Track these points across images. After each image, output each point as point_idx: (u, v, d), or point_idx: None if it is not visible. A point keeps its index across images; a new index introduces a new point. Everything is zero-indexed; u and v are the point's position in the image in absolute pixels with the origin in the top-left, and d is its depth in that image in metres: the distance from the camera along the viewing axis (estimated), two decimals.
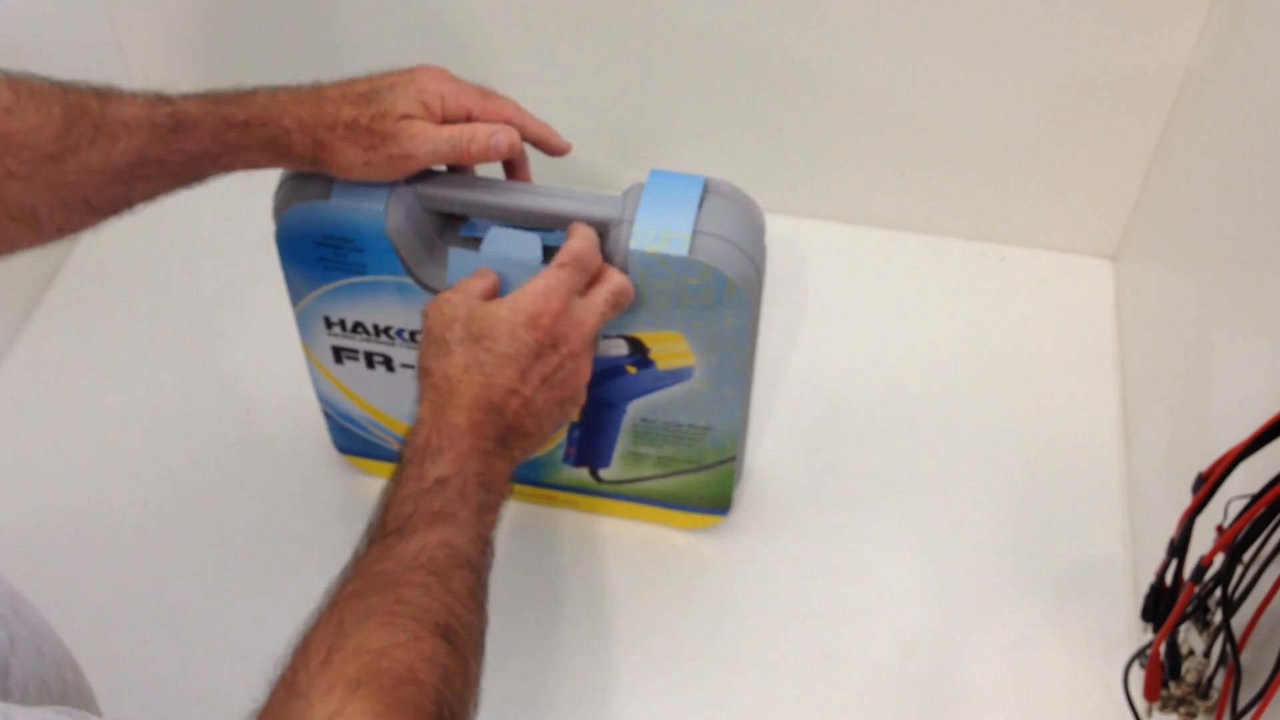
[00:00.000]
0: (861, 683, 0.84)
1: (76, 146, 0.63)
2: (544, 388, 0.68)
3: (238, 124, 0.69)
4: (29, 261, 1.07)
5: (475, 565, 0.63)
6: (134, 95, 0.67)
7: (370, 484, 0.94)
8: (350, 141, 0.71)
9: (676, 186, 0.73)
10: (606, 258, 0.73)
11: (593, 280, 0.72)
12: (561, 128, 0.78)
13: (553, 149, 0.77)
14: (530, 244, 0.74)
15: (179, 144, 0.67)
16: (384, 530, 0.62)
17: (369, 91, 0.71)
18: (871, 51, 0.99)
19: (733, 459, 0.85)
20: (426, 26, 1.04)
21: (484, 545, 0.65)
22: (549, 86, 1.00)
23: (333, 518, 0.93)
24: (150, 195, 0.69)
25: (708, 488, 0.87)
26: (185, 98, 0.68)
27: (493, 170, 0.78)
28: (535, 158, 0.78)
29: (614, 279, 0.72)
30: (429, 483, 0.63)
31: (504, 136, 0.73)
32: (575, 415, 0.73)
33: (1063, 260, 1.09)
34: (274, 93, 0.70)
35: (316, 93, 0.71)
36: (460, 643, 0.59)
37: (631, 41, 1.02)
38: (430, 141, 0.71)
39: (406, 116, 0.71)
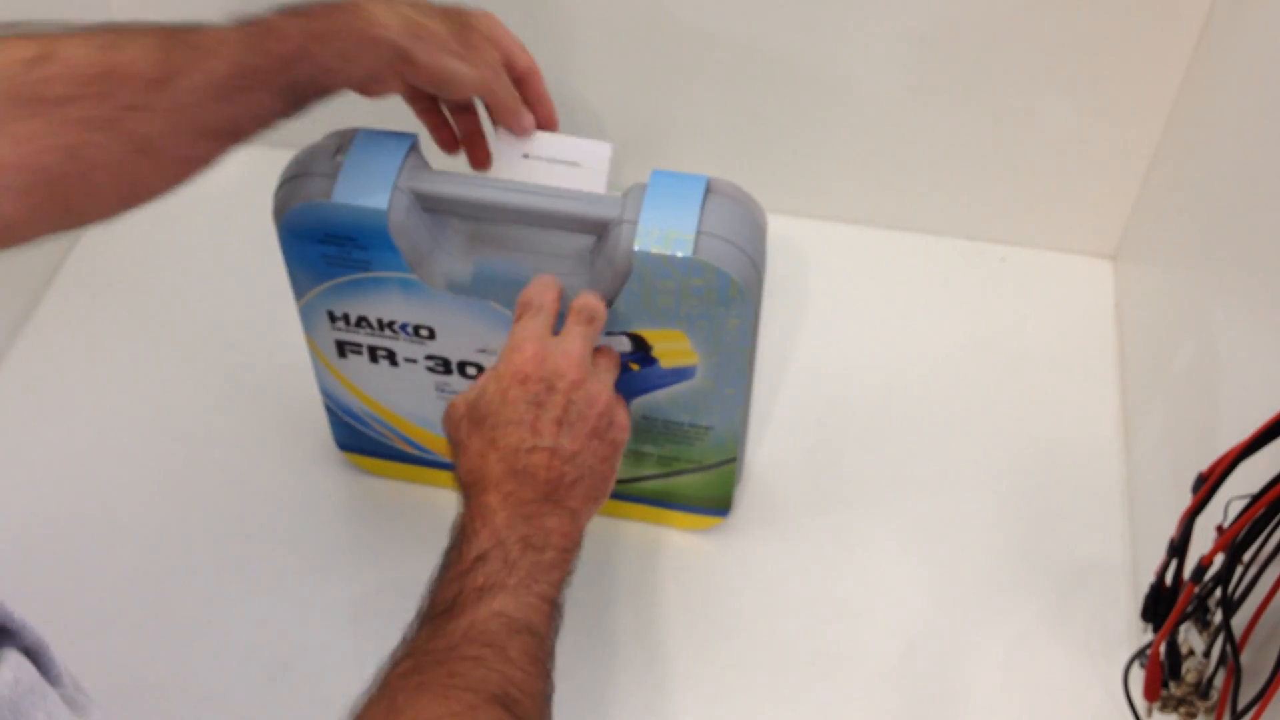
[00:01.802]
0: (861, 683, 0.84)
1: (180, 68, 0.63)
2: (565, 431, 0.67)
3: (321, 14, 0.68)
4: (29, 261, 1.07)
5: (536, 629, 0.62)
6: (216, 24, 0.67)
7: (370, 483, 0.94)
8: (444, 25, 0.71)
9: (679, 187, 0.73)
10: (607, 258, 0.73)
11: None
12: (562, 127, 0.78)
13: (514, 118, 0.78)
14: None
15: (271, 46, 0.66)
16: (432, 612, 0.62)
17: (445, 3, 0.73)
18: (872, 52, 0.99)
19: (733, 460, 0.85)
20: None
21: (547, 606, 0.64)
22: (549, 86, 1.00)
23: (333, 517, 0.93)
24: (256, 115, 0.67)
25: (709, 488, 0.87)
26: (268, 11, 0.68)
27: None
28: None
29: (577, 301, 0.72)
30: (469, 562, 0.63)
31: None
32: (626, 437, 0.72)
33: (1063, 260, 1.09)
34: None
35: None
36: (522, 710, 0.58)
37: (632, 41, 1.02)
38: (505, 84, 0.74)
39: (484, 38, 0.73)
